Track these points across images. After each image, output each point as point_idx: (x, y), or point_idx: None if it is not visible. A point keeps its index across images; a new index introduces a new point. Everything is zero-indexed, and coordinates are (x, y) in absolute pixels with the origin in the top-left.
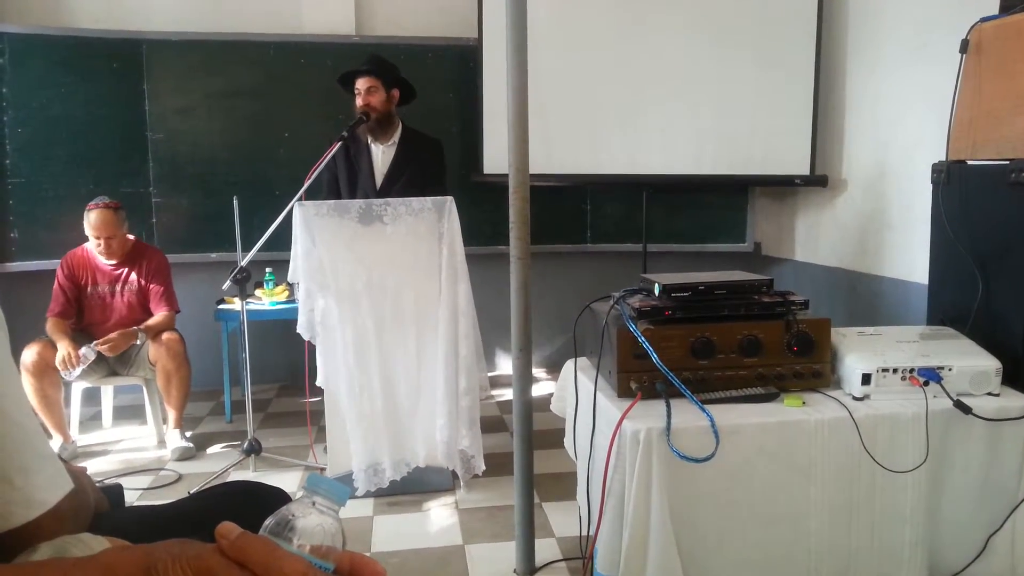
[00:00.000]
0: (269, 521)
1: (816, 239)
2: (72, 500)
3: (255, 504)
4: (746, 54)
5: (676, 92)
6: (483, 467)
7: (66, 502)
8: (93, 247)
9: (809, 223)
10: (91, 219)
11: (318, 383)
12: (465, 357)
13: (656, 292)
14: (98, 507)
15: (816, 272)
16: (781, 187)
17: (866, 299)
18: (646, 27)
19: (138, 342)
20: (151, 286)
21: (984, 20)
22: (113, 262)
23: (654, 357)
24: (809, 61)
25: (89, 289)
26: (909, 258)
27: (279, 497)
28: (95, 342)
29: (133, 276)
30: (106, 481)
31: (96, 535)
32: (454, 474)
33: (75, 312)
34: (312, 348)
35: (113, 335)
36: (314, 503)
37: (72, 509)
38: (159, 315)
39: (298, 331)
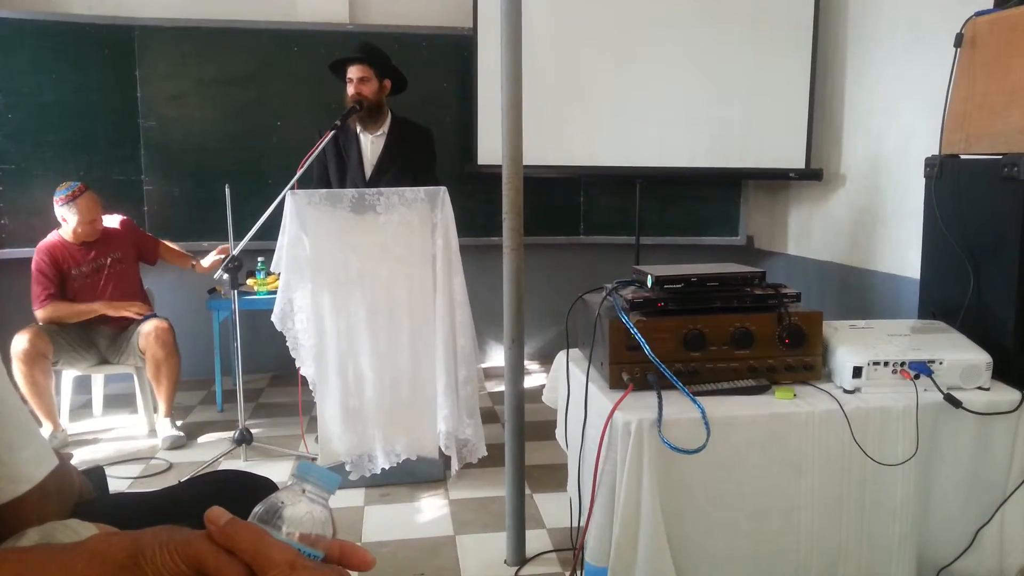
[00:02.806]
0: (258, 508)
1: (809, 233)
2: (56, 477)
3: (243, 493)
4: (742, 47)
5: (671, 84)
6: (484, 452)
7: (51, 479)
8: (70, 231)
9: (802, 217)
10: (79, 206)
11: (302, 372)
12: (463, 347)
13: (649, 284)
14: (83, 494)
15: (808, 266)
16: (774, 180)
17: (858, 293)
18: (642, 18)
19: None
20: (147, 246)
21: (979, 14)
22: (80, 243)
23: (646, 349)
24: (805, 55)
25: (73, 272)
26: (901, 253)
27: (267, 487)
28: (212, 260)
29: (107, 249)
30: (89, 466)
31: (83, 521)
32: (445, 465)
33: (62, 297)
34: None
35: (213, 255)
36: (304, 491)
37: (56, 486)
38: (175, 252)
39: (271, 319)
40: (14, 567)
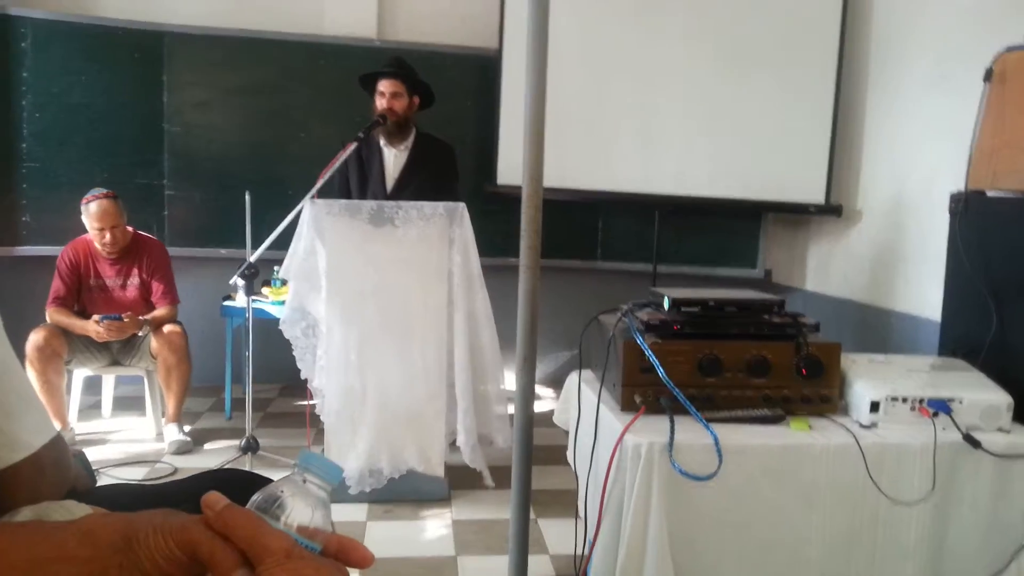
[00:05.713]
0: (257, 496)
1: (827, 269)
2: (54, 450)
3: (246, 490)
4: (766, 79)
5: (694, 113)
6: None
7: (48, 450)
8: (96, 239)
9: (821, 252)
10: (91, 210)
11: (311, 384)
12: (488, 363)
13: (665, 306)
14: (79, 481)
15: (826, 303)
16: (795, 215)
17: (876, 332)
18: (667, 47)
19: (141, 333)
20: (153, 281)
21: (1010, 49)
22: (114, 255)
23: (660, 372)
24: (829, 89)
25: (92, 281)
26: (921, 292)
27: None
28: (100, 316)
29: (136, 270)
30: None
31: (79, 503)
32: (449, 484)
33: (74, 302)
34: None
35: (126, 318)
36: (305, 480)
37: (53, 459)
38: (162, 309)
39: (280, 327)
40: (5, 540)
